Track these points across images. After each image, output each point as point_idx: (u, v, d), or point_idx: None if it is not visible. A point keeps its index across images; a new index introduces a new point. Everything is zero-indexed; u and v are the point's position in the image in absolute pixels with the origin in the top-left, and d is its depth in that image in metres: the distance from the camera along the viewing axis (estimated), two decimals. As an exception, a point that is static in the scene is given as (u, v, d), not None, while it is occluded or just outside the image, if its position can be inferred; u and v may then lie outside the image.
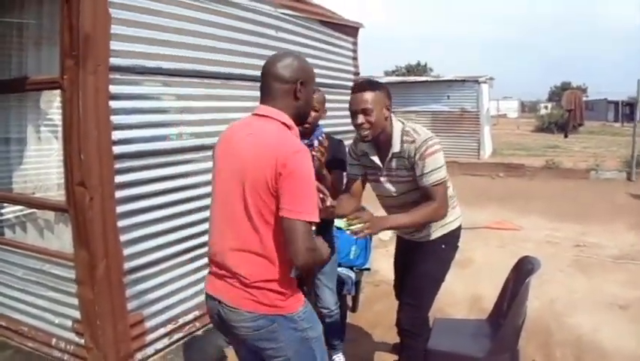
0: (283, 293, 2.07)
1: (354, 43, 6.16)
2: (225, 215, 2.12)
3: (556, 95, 52.22)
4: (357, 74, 6.35)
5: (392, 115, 2.88)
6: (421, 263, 3.07)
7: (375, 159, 2.96)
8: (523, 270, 3.17)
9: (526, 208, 9.45)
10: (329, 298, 3.49)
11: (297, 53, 2.33)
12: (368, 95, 2.75)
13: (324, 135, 3.12)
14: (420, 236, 3.09)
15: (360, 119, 2.76)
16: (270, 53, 4.24)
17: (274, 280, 2.05)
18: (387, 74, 43.42)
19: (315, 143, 3.03)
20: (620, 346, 4.07)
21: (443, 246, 3.09)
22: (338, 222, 3.45)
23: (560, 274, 5.81)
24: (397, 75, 43.04)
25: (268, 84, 2.13)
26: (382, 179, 3.01)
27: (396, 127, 2.88)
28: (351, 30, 6.01)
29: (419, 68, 47.90)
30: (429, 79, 19.72)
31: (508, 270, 3.44)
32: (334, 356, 3.72)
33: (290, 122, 2.11)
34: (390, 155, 2.90)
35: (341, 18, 5.72)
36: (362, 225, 2.54)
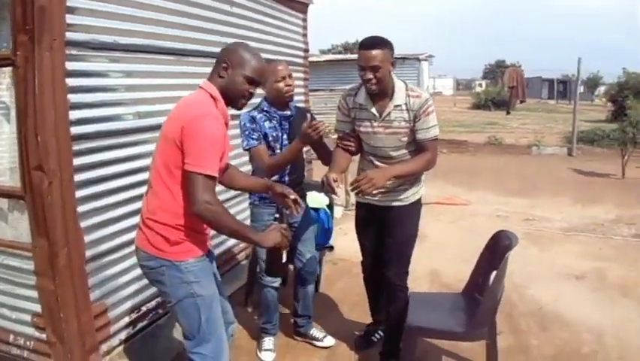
0: (168, 239, 2.34)
1: (304, 20, 6.12)
2: (151, 168, 2.45)
3: (491, 73, 53.68)
4: (306, 50, 6.33)
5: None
6: (402, 226, 3.35)
7: (374, 110, 3.16)
8: (500, 244, 3.25)
9: (473, 184, 9.73)
10: (310, 260, 3.72)
11: (247, 43, 2.58)
12: (377, 53, 2.94)
13: (308, 116, 3.35)
14: (399, 199, 3.34)
15: (369, 75, 2.97)
16: (224, 28, 4.23)
17: (163, 223, 2.34)
18: (322, 52, 43.40)
19: (305, 125, 3.14)
20: (582, 314, 4.28)
21: (417, 208, 3.43)
22: (311, 202, 3.50)
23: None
24: (333, 53, 43.07)
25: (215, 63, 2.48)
26: (378, 129, 3.19)
27: (398, 82, 3.14)
28: (301, 6, 5.96)
29: (356, 47, 48.04)
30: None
31: (462, 245, 3.58)
32: (310, 331, 3.91)
33: (216, 93, 2.39)
34: (392, 106, 3.12)
35: (292, -7, 5.67)
36: (365, 185, 2.90)
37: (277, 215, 2.62)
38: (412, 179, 3.30)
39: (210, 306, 2.44)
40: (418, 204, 3.43)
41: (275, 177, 3.36)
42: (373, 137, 3.24)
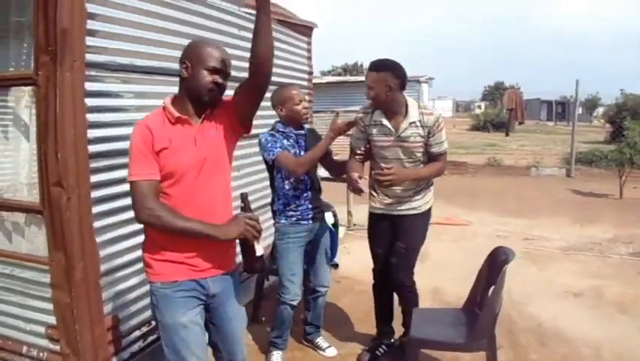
0: (144, 258, 2.42)
1: (309, 43, 6.28)
2: None
3: (490, 94, 54.06)
4: (310, 73, 6.48)
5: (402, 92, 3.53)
6: (414, 233, 3.71)
7: (390, 125, 3.54)
8: (497, 260, 3.39)
9: (473, 204, 9.85)
10: (326, 274, 3.94)
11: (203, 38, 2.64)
12: (372, 74, 3.45)
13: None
14: (413, 208, 3.68)
15: (367, 90, 3.48)
16: (233, 51, 4.37)
17: (144, 242, 2.44)
18: (323, 74, 43.79)
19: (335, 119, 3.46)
20: (580, 330, 4.38)
21: (427, 217, 3.80)
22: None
23: (512, 266, 6.13)
24: (333, 75, 43.46)
25: None
26: (395, 144, 3.56)
27: (411, 101, 3.55)
28: (306, 30, 6.13)
29: (356, 68, 48.52)
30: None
31: (464, 264, 3.72)
32: (317, 340, 4.10)
33: (166, 102, 2.41)
34: (407, 123, 3.50)
35: (297, 18, 5.84)
36: (391, 176, 3.32)
37: (242, 205, 2.45)
38: (424, 190, 3.70)
39: (168, 335, 2.39)
40: (428, 213, 3.78)
41: (302, 203, 3.66)
42: (390, 150, 3.59)
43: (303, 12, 5.87)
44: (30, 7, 2.82)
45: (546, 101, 43.52)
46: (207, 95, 2.36)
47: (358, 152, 3.73)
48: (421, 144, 3.53)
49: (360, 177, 3.40)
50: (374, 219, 3.87)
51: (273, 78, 4.43)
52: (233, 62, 4.20)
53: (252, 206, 2.55)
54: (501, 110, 30.99)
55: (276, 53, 5.23)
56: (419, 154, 3.58)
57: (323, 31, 6.40)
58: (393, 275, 3.74)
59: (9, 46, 3.28)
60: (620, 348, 4.05)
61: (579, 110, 17.92)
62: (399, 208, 3.69)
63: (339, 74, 43.85)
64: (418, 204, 3.69)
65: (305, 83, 6.26)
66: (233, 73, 4.18)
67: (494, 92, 47.81)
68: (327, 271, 3.97)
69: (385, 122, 3.55)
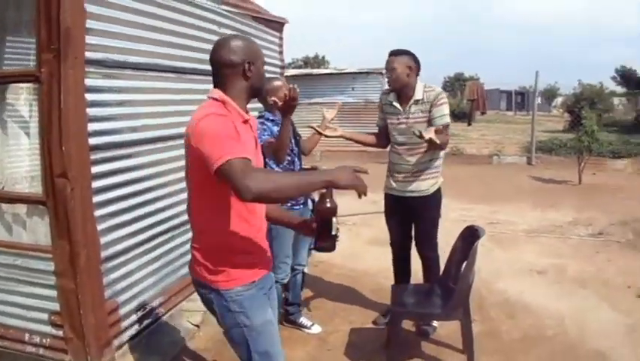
0: (208, 268, 2.24)
1: (281, 38, 6.52)
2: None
3: (450, 85, 54.96)
4: (283, 67, 6.73)
5: (417, 77, 4.07)
6: (429, 211, 4.20)
7: (399, 106, 4.08)
8: (469, 237, 3.72)
9: (438, 192, 10.20)
10: (305, 255, 4.28)
11: (239, 34, 2.52)
12: (394, 59, 3.99)
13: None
14: (422, 190, 4.13)
15: (390, 73, 3.99)
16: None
17: (206, 249, 2.25)
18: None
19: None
20: (544, 303, 4.78)
21: (438, 196, 4.23)
22: None
23: (479, 248, 6.52)
24: (294, 68, 43.59)
25: (219, 71, 2.29)
26: (402, 120, 4.07)
27: (419, 83, 4.07)
28: (277, 25, 6.36)
29: (317, 61, 48.72)
30: (334, 71, 20.34)
31: None
32: (300, 319, 4.39)
33: (223, 96, 2.23)
34: (412, 101, 4.02)
35: (270, 14, 6.07)
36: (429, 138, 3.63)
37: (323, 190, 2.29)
38: (432, 174, 4.14)
39: (259, 336, 2.29)
40: (438, 193, 4.22)
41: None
42: (399, 127, 4.09)
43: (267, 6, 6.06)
44: (26, 6, 2.99)
45: (505, 91, 44.57)
46: (262, 89, 2.47)
47: (380, 129, 4.33)
48: (424, 119, 3.99)
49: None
50: (389, 199, 4.35)
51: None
52: (200, 56, 4.44)
53: None
54: (461, 101, 31.61)
55: (251, 48, 5.50)
56: (422, 126, 3.95)
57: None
58: (419, 249, 4.30)
59: (4, 43, 3.44)
60: (581, 318, 4.46)
61: (538, 100, 18.57)
62: (410, 189, 4.14)
63: (300, 67, 43.97)
64: (426, 187, 4.12)
65: (277, 77, 6.49)
66: (196, 66, 4.40)
67: (454, 83, 48.66)
68: (306, 252, 4.36)
69: (395, 103, 4.09)
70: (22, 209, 3.32)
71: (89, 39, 3.11)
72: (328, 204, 2.31)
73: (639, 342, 4.05)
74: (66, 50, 2.92)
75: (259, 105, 4.07)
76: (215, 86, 2.31)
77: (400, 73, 3.96)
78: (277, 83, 3.96)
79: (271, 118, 3.88)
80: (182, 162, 3.98)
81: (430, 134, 3.63)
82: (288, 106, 3.57)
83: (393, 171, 4.24)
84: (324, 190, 2.28)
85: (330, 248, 2.41)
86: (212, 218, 2.22)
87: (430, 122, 3.97)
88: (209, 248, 2.26)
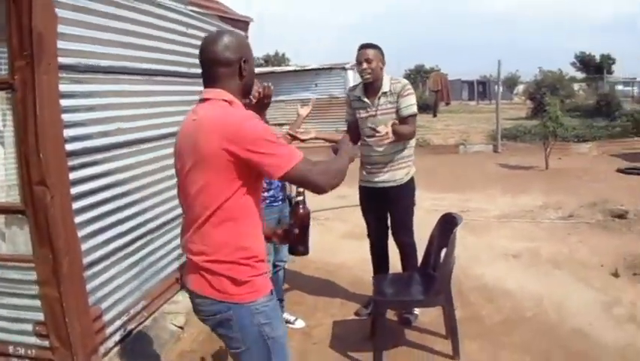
0: (235, 280, 2.09)
1: (246, 37, 6.53)
2: (185, 200, 2.20)
3: (411, 77, 55.42)
4: (249, 65, 6.73)
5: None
6: (403, 200, 4.32)
7: (367, 100, 4.21)
8: (447, 224, 3.81)
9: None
10: (286, 251, 4.13)
11: (230, 31, 2.42)
12: (369, 51, 4.09)
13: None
14: (395, 180, 4.25)
15: (365, 65, 4.06)
16: (182, 49, 4.60)
17: (230, 261, 2.09)
18: (245, 66, 43.41)
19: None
20: (522, 286, 4.96)
21: (412, 186, 4.36)
22: None
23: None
24: (256, 66, 43.30)
25: (212, 68, 2.19)
26: (372, 113, 4.19)
27: (386, 76, 4.20)
28: (243, 24, 6.37)
29: (277, 58, 48.60)
30: (297, 68, 20.41)
31: None
32: (283, 315, 4.30)
33: (230, 97, 2.16)
34: (380, 93, 4.15)
35: (236, 13, 6.08)
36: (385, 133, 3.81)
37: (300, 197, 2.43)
38: (404, 163, 4.26)
39: (282, 348, 2.25)
40: (412, 182, 4.36)
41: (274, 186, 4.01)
42: (369, 120, 4.17)
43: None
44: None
45: (467, 81, 45.10)
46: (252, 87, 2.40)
47: (350, 125, 4.43)
48: (392, 110, 4.14)
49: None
50: (364, 191, 4.48)
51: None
52: (181, 59, 4.48)
53: None
54: (423, 93, 31.92)
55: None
56: (391, 118, 4.10)
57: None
58: (396, 238, 4.42)
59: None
60: (558, 297, 4.63)
61: (500, 89, 18.92)
62: (385, 179, 4.27)
63: (261, 65, 43.82)
64: (401, 175, 4.25)
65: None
66: (181, 69, 4.47)
67: (415, 76, 49.10)
68: (287, 248, 4.29)
69: (363, 97, 4.23)
70: (0, 219, 3.29)
71: (61, 44, 3.09)
72: (303, 210, 2.43)
73: (616, 318, 4.24)
74: (39, 56, 2.90)
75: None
76: (206, 86, 2.22)
77: (376, 66, 4.08)
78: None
79: None
80: (159, 164, 4.06)
81: (386, 129, 3.82)
82: (262, 104, 3.58)
83: (366, 164, 4.34)
84: (300, 197, 2.39)
85: (307, 252, 2.54)
86: (236, 228, 2.10)
87: (397, 113, 4.12)
88: (234, 260, 2.10)
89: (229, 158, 1.99)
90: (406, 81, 4.24)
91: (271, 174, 2.04)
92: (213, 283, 2.10)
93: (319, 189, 2.08)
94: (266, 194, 3.90)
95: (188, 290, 2.23)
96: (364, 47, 4.13)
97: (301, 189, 2.35)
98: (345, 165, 2.26)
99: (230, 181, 2.03)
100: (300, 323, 4.39)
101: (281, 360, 2.24)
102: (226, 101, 2.15)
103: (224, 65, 2.18)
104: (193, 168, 2.08)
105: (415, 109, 4.14)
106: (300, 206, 2.42)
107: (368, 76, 4.10)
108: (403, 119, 4.12)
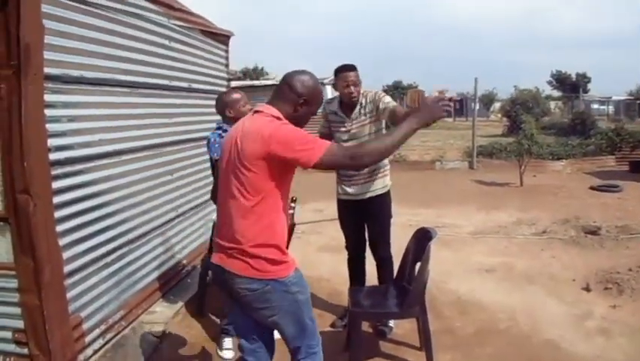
0: (274, 260, 2.56)
1: (226, 51, 6.67)
2: (226, 196, 2.61)
3: (388, 94, 55.86)
4: (229, 80, 6.88)
5: None
6: (381, 212, 4.47)
7: (344, 115, 4.34)
8: (421, 238, 3.95)
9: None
10: None
11: (315, 77, 2.73)
12: (353, 74, 4.20)
13: None
14: (372, 190, 4.38)
15: (352, 89, 4.18)
16: (165, 62, 4.72)
17: (269, 245, 2.55)
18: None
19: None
20: (495, 299, 5.10)
21: (389, 198, 4.50)
22: None
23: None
24: (234, 79, 43.36)
25: (281, 88, 2.63)
26: (350, 128, 4.31)
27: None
28: (223, 38, 6.51)
29: (256, 72, 48.69)
30: (275, 82, 20.56)
31: None
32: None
33: (278, 114, 2.57)
34: (357, 108, 4.28)
35: (216, 27, 6.21)
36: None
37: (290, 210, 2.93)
38: (381, 175, 4.39)
39: (308, 302, 2.77)
40: (388, 194, 4.49)
41: None
42: (348, 134, 4.31)
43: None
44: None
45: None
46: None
47: (323, 137, 4.29)
48: (372, 119, 4.27)
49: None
50: (343, 205, 4.55)
51: (195, 86, 5.01)
52: (163, 72, 4.60)
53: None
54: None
55: (198, 61, 5.65)
56: (374, 128, 4.28)
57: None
58: (374, 251, 4.55)
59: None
60: (530, 311, 4.79)
61: (477, 106, 19.30)
62: (364, 191, 4.38)
63: (239, 79, 43.89)
64: (380, 185, 4.39)
65: (224, 89, 6.62)
66: (163, 82, 4.58)
67: (393, 92, 49.62)
68: None
69: (339, 112, 4.36)
70: (-20, 227, 3.34)
71: (47, 55, 3.18)
72: (290, 221, 2.79)
73: (587, 330, 4.41)
74: (26, 66, 2.98)
75: (218, 117, 4.22)
76: (268, 102, 2.65)
77: (360, 86, 4.24)
78: (235, 95, 4.11)
79: (229, 130, 4.00)
80: (140, 175, 4.17)
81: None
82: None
83: (344, 177, 4.42)
84: (290, 211, 2.84)
85: None
86: (273, 217, 2.56)
87: (379, 118, 4.25)
88: (273, 245, 2.57)
89: (268, 157, 2.43)
90: (376, 90, 4.43)
91: (305, 164, 2.45)
92: (254, 265, 2.54)
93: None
94: None
95: (225, 271, 2.62)
96: (347, 69, 4.22)
97: (293, 204, 2.88)
98: (397, 140, 2.62)
99: (266, 179, 2.48)
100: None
101: (308, 311, 2.77)
102: (274, 116, 2.55)
103: (288, 90, 2.60)
104: (237, 167, 2.52)
105: (395, 103, 4.25)
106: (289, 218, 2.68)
107: (356, 97, 4.24)
108: (393, 114, 4.09)
